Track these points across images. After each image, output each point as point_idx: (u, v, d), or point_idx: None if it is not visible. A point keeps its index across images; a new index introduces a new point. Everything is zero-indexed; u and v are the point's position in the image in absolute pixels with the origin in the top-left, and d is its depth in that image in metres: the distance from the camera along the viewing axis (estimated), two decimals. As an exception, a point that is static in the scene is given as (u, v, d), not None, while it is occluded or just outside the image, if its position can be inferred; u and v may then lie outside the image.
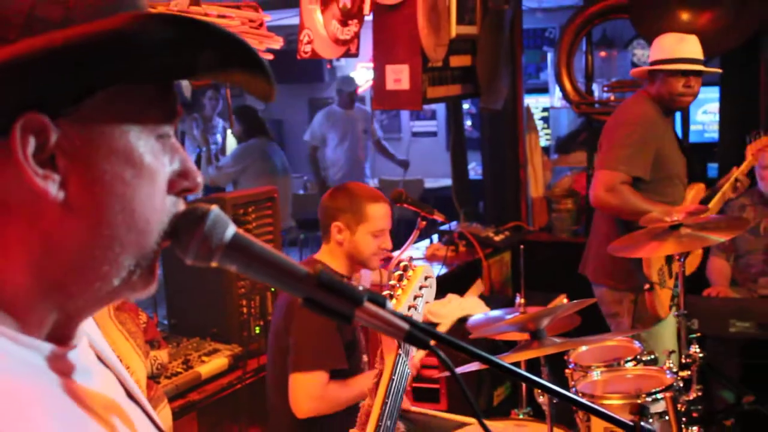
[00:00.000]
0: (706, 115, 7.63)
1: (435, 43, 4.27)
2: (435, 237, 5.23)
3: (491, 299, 4.50)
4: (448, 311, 4.02)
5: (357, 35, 3.94)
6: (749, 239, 4.22)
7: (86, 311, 0.81)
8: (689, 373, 3.12)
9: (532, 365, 2.98)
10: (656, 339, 3.55)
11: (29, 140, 0.71)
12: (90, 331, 0.88)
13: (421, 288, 2.02)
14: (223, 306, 3.22)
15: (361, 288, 0.83)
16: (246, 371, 3.15)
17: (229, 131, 6.93)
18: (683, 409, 2.90)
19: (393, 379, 1.85)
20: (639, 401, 2.56)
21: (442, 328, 3.91)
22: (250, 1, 3.10)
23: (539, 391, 2.70)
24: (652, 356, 2.94)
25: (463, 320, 3.82)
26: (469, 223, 5.28)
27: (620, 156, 3.54)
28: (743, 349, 3.97)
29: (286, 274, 0.82)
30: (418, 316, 1.98)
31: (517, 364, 2.40)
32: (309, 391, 2.59)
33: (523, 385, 3.13)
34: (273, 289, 3.24)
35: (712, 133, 7.08)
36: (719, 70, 4.38)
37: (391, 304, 0.87)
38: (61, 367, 0.78)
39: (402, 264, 2.04)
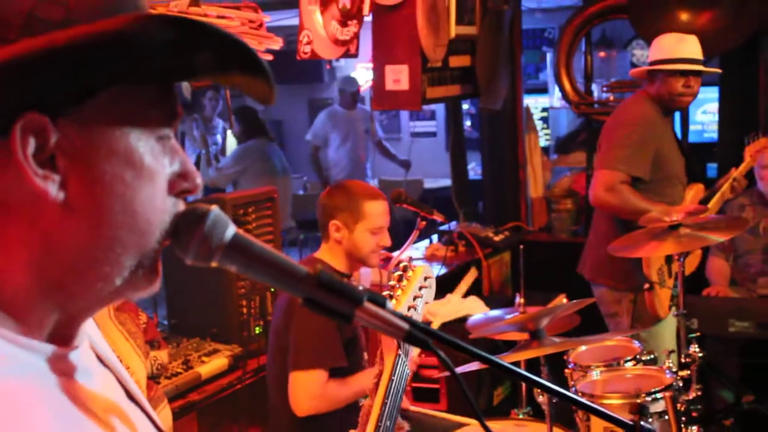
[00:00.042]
0: (705, 115, 7.63)
1: (434, 43, 4.27)
2: (435, 237, 5.23)
3: (491, 299, 4.50)
4: (446, 311, 4.02)
5: (356, 36, 3.94)
6: (748, 239, 4.23)
7: (88, 311, 0.81)
8: (689, 372, 3.12)
9: (532, 365, 2.98)
10: (656, 339, 3.56)
11: (29, 140, 0.71)
12: (90, 332, 0.88)
13: (420, 288, 2.02)
14: (223, 306, 3.22)
15: (361, 288, 0.83)
16: (246, 371, 3.15)
17: (229, 131, 6.94)
18: (683, 409, 2.90)
19: (392, 380, 1.85)
20: (638, 401, 2.56)
21: (434, 326, 3.91)
22: (249, 2, 3.10)
23: (539, 390, 2.70)
24: (652, 356, 2.94)
25: (462, 320, 3.82)
26: (469, 223, 5.28)
27: (620, 156, 3.54)
28: (742, 349, 3.97)
29: (286, 274, 0.82)
30: (417, 317, 1.98)
31: (516, 363, 2.40)
32: (308, 390, 2.60)
33: (523, 384, 3.13)
34: (273, 289, 3.24)
35: (712, 133, 7.08)
36: (718, 71, 4.38)
37: (390, 304, 0.88)
38: (62, 369, 0.78)
39: (401, 264, 2.04)
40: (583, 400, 1.07)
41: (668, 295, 3.60)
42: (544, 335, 2.50)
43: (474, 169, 7.16)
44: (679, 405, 2.71)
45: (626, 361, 2.89)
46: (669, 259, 3.55)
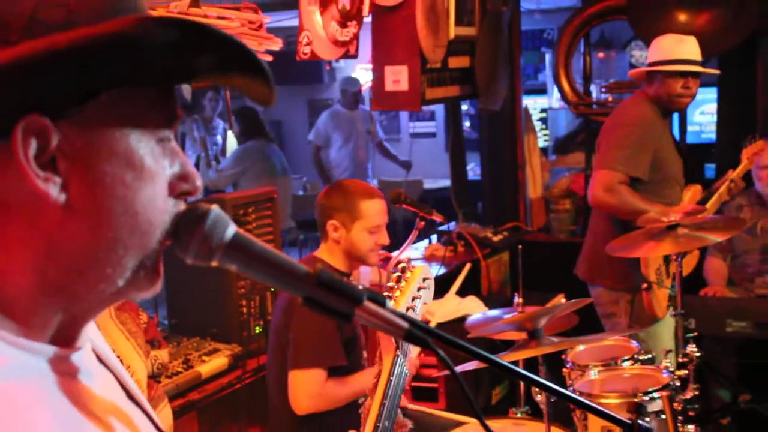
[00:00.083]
0: (703, 116, 7.64)
1: (434, 44, 4.27)
2: (434, 237, 5.23)
3: (489, 299, 4.51)
4: (445, 311, 4.03)
5: (356, 36, 3.95)
6: (746, 239, 4.23)
7: (91, 312, 0.81)
8: (686, 372, 3.12)
9: (530, 364, 2.99)
10: (654, 338, 3.56)
11: (30, 142, 0.71)
12: (91, 332, 0.88)
13: (419, 289, 2.02)
14: (223, 306, 3.23)
15: (360, 287, 0.84)
16: (246, 371, 3.16)
17: (229, 132, 6.94)
18: (680, 408, 2.90)
19: (391, 380, 1.85)
20: (636, 400, 2.56)
21: (432, 325, 3.91)
22: (249, 3, 3.11)
23: (537, 389, 2.70)
24: (649, 355, 2.95)
25: (461, 320, 3.82)
26: (468, 224, 5.28)
27: (618, 156, 3.55)
28: (740, 349, 3.98)
29: (286, 274, 0.82)
30: (416, 318, 1.98)
31: (515, 363, 2.40)
32: (308, 389, 2.60)
33: (521, 384, 3.13)
34: (273, 289, 3.25)
35: (710, 134, 7.09)
36: (717, 72, 4.38)
37: (390, 303, 0.88)
38: (64, 370, 0.78)
39: (400, 265, 2.05)
40: (581, 399, 1.08)
41: (666, 295, 3.60)
42: (542, 335, 2.51)
43: (473, 170, 7.17)
44: (676, 404, 2.71)
45: (624, 361, 2.89)
46: (667, 259, 3.56)
